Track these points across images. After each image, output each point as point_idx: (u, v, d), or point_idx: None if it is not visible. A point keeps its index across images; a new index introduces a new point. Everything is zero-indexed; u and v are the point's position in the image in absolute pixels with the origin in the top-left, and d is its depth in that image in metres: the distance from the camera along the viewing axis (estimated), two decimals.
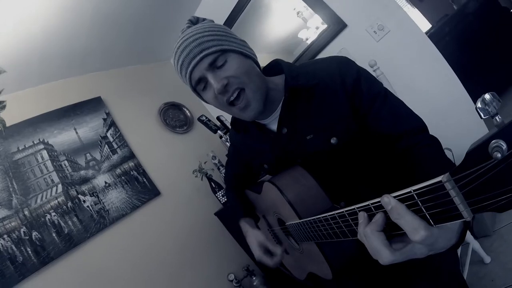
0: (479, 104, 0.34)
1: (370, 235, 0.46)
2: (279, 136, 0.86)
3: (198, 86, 0.78)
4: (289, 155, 0.86)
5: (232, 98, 0.75)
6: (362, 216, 0.48)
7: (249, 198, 1.16)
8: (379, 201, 0.44)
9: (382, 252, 0.45)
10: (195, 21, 0.82)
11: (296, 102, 0.82)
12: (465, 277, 1.40)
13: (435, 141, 0.72)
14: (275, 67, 0.90)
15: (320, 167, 0.82)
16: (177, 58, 0.76)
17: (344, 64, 0.81)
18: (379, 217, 0.45)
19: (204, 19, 0.82)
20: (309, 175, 0.81)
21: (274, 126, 0.87)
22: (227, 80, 0.73)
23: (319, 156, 0.82)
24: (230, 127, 1.03)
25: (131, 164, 2.15)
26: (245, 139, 1.00)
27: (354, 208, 0.50)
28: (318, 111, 0.80)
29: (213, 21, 0.83)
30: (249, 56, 0.79)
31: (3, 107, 1.08)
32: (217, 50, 0.72)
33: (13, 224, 1.61)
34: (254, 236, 1.00)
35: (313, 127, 0.81)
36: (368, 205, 0.47)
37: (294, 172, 0.84)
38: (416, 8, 4.24)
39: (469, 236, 1.48)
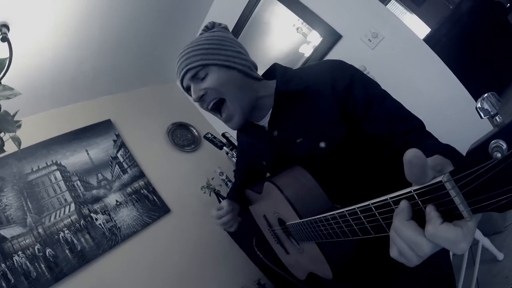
0: (479, 104, 0.34)
1: (399, 227, 0.39)
2: (271, 138, 0.89)
3: (189, 92, 0.87)
4: (283, 157, 0.88)
5: (209, 107, 0.85)
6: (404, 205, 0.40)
7: (247, 196, 1.17)
8: (379, 201, 0.44)
9: (420, 242, 0.37)
10: (210, 26, 0.91)
11: (287, 105, 0.84)
12: (475, 275, 1.37)
13: (431, 134, 0.72)
14: (274, 71, 0.92)
15: (312, 170, 0.81)
16: (175, 68, 0.86)
17: (337, 68, 0.80)
18: (404, 204, 0.39)
19: (220, 24, 0.92)
20: (310, 175, 0.80)
21: None
22: (204, 92, 0.82)
23: (309, 160, 0.82)
24: (235, 143, 1.06)
25: (141, 183, 2.19)
26: (247, 138, 1.05)
27: (354, 208, 0.50)
28: (308, 115, 0.81)
29: (225, 28, 0.93)
30: (234, 68, 0.83)
31: (19, 126, 1.19)
32: (199, 65, 0.81)
33: (27, 241, 1.65)
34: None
35: (303, 130, 0.83)
36: (369, 205, 0.46)
37: (294, 172, 0.83)
38: (414, 14, 4.27)
39: (478, 233, 1.44)
